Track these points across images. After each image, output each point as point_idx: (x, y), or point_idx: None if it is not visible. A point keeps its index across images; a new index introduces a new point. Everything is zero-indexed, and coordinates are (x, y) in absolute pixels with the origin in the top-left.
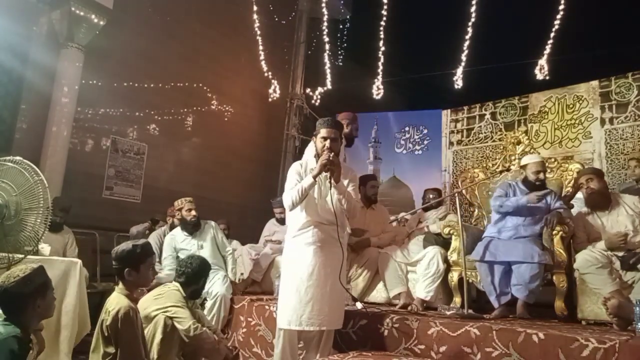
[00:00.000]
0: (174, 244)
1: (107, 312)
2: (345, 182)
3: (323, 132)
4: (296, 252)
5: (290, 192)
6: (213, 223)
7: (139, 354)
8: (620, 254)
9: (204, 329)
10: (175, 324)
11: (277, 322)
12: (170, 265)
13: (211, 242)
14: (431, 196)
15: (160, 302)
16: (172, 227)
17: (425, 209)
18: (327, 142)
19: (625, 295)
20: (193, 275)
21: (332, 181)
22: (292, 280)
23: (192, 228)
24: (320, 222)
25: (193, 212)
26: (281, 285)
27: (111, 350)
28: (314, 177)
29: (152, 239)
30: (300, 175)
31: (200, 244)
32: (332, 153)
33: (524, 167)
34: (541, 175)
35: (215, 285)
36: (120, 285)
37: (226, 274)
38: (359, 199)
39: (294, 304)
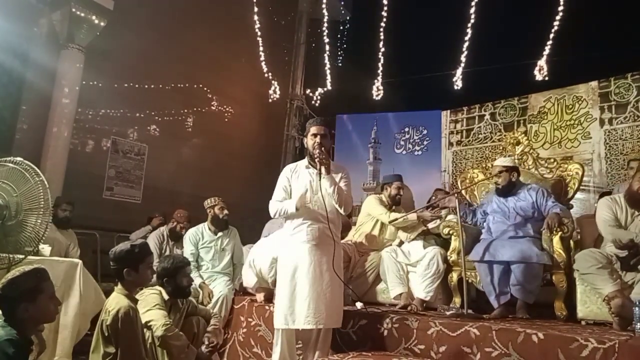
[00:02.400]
0: (197, 240)
1: (107, 312)
2: (337, 176)
3: (313, 129)
4: (291, 251)
5: (275, 205)
6: (237, 231)
7: (138, 353)
8: (622, 254)
9: (175, 330)
10: (151, 329)
11: (274, 323)
12: (193, 262)
13: (231, 249)
14: (434, 197)
15: (140, 307)
16: (171, 231)
17: (428, 208)
18: (318, 138)
19: (627, 295)
20: (169, 275)
21: (323, 172)
22: (288, 280)
23: (220, 227)
24: (314, 221)
25: (225, 211)
26: (277, 285)
27: (111, 350)
28: (297, 209)
29: (152, 239)
30: (289, 180)
31: (223, 247)
32: (322, 149)
33: None
34: (496, 178)
35: (219, 286)
36: (119, 285)
37: (230, 279)
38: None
39: (290, 303)
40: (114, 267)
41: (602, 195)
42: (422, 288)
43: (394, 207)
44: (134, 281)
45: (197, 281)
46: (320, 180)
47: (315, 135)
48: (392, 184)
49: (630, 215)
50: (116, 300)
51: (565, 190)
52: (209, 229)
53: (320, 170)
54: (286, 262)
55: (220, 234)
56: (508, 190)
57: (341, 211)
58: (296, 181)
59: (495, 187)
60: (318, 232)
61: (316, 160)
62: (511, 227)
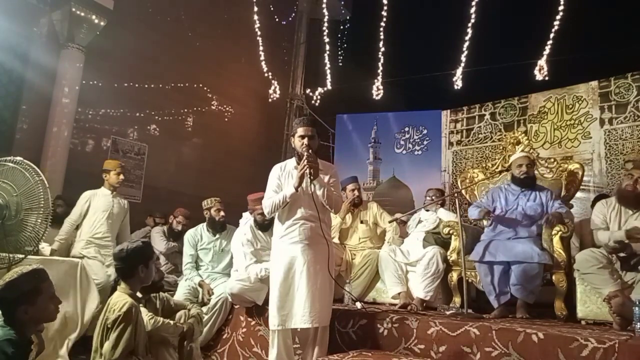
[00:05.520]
0: (195, 241)
1: (112, 311)
2: (326, 178)
3: (300, 130)
4: (284, 251)
5: (271, 199)
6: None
7: (125, 348)
8: (622, 254)
9: (159, 320)
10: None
11: (269, 324)
12: (192, 263)
13: (231, 249)
14: (428, 198)
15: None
16: (169, 229)
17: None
18: (305, 140)
19: (627, 295)
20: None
21: (311, 177)
22: (282, 280)
23: (218, 228)
24: (305, 220)
25: (222, 213)
26: (271, 286)
27: None
28: (296, 189)
29: (157, 235)
30: (279, 179)
31: (222, 248)
32: (310, 151)
33: (510, 166)
34: (523, 168)
35: (219, 288)
36: (123, 285)
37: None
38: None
39: (284, 304)
40: (122, 266)
41: (596, 199)
42: (421, 288)
43: (355, 210)
44: (145, 277)
45: (196, 280)
46: (311, 182)
47: (302, 136)
48: (346, 188)
49: (623, 215)
50: (121, 299)
51: (566, 189)
52: (208, 230)
53: (310, 175)
54: (279, 262)
55: (218, 235)
56: (530, 183)
57: (331, 212)
58: (286, 181)
59: (518, 178)
60: (310, 232)
61: (305, 164)
62: (517, 227)
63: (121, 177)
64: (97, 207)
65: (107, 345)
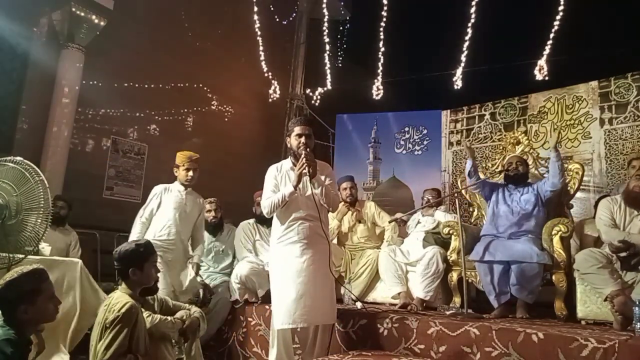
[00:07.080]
0: None
1: (111, 311)
2: (322, 177)
3: (297, 129)
4: (284, 252)
5: (270, 199)
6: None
7: (117, 349)
8: (622, 254)
9: (157, 318)
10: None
11: (273, 324)
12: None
13: (231, 249)
14: (424, 199)
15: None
16: None
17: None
18: (303, 139)
19: (628, 295)
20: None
21: (309, 176)
22: (282, 280)
23: (214, 229)
24: (303, 220)
25: (213, 214)
26: (272, 287)
27: None
28: (295, 187)
29: None
30: (276, 179)
31: (222, 248)
32: (308, 149)
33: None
34: (513, 165)
35: (218, 288)
36: (123, 285)
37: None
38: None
39: (286, 303)
40: (118, 267)
41: (600, 199)
42: (421, 288)
43: (353, 210)
44: (139, 280)
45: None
46: (310, 181)
47: (299, 135)
48: (340, 187)
49: (628, 215)
50: (122, 299)
51: (566, 189)
52: (207, 231)
53: (308, 174)
54: (279, 263)
55: (219, 235)
56: (521, 179)
57: (329, 210)
58: (283, 182)
59: (510, 175)
60: (309, 231)
61: (303, 163)
62: (514, 224)
63: (190, 174)
64: (168, 203)
65: (101, 344)
